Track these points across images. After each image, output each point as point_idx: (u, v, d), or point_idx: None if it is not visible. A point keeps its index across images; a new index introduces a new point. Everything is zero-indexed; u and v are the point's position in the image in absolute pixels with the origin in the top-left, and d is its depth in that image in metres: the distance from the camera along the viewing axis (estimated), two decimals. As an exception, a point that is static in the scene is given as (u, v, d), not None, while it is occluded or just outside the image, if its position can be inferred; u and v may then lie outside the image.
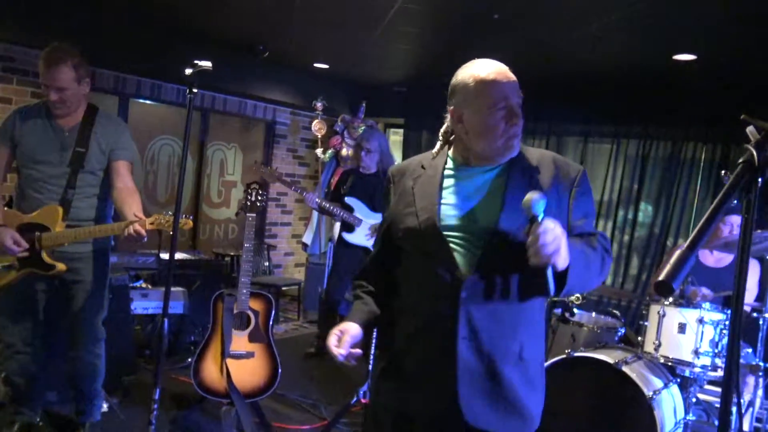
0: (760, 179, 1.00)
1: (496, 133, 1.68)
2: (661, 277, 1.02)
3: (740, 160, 1.01)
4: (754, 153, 1.00)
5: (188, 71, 2.29)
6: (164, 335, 2.30)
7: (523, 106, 1.72)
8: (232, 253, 6.24)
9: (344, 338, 1.74)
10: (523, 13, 3.81)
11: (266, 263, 7.02)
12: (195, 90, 2.32)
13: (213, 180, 6.86)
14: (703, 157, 5.42)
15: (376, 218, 4.95)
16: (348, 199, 4.92)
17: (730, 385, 1.10)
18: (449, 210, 1.72)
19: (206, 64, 2.25)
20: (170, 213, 2.72)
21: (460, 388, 1.64)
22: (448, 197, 1.74)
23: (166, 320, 2.31)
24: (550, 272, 1.47)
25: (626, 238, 5.78)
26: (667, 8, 3.47)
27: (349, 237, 4.89)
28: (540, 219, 1.48)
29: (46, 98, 2.91)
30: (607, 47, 4.38)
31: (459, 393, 1.64)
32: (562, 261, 1.46)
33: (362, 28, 4.62)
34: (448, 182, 1.77)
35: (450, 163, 1.81)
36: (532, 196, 1.50)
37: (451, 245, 1.68)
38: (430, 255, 1.70)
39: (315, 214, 7.06)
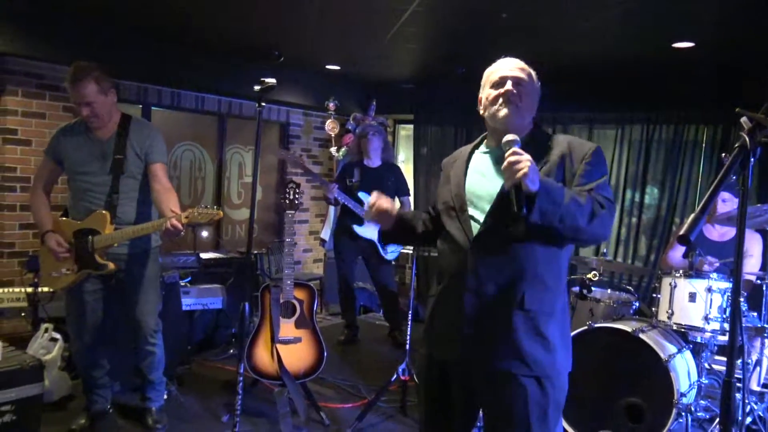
0: (752, 159, 1.28)
1: (490, 103, 2.04)
2: (681, 232, 1.33)
3: (736, 145, 1.30)
4: (747, 139, 1.29)
5: (257, 87, 2.55)
6: (246, 320, 2.57)
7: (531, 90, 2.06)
8: (255, 252, 6.52)
9: (380, 201, 2.16)
10: (527, 9, 4.00)
11: (294, 263, 7.30)
12: (263, 104, 2.58)
13: (233, 182, 7.11)
14: (704, 138, 5.61)
15: None
16: (361, 194, 5.12)
17: (734, 347, 1.38)
18: (470, 185, 2.07)
19: (271, 80, 2.50)
20: (203, 206, 2.98)
21: (466, 333, 1.95)
22: (472, 174, 2.10)
23: (247, 305, 2.57)
24: (514, 191, 1.76)
25: (634, 220, 5.97)
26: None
27: (359, 230, 5.12)
28: None
29: (80, 115, 3.18)
30: (609, 37, 4.59)
31: (466, 339, 1.95)
32: (530, 183, 1.73)
33: (374, 31, 4.85)
34: (475, 162, 2.12)
35: (483, 147, 2.16)
36: (508, 137, 1.83)
37: (469, 212, 2.02)
38: (453, 221, 2.06)
39: (332, 210, 7.33)
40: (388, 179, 5.25)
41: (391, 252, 5.19)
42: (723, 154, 1.38)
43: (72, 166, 3.24)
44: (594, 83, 5.94)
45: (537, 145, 2.00)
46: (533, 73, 2.09)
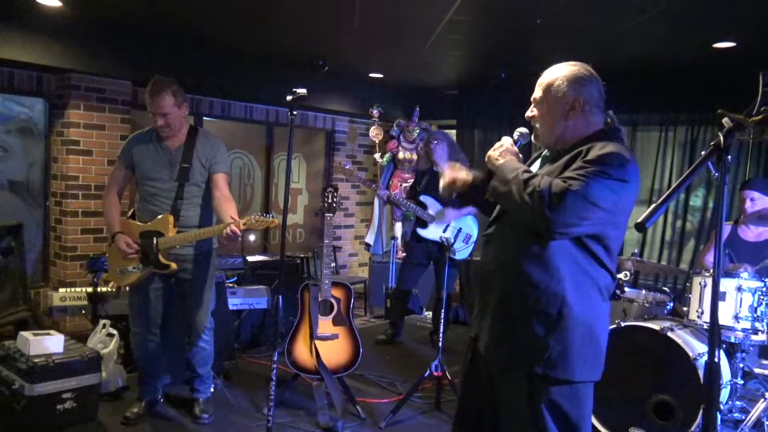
0: (728, 157, 1.38)
1: None
2: (638, 220, 1.43)
3: (711, 143, 1.39)
4: (722, 138, 1.38)
5: (289, 98, 2.73)
6: (280, 317, 2.75)
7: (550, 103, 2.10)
8: (302, 255, 6.74)
9: (458, 171, 2.33)
10: (566, 13, 4.05)
11: (333, 264, 7.50)
12: (295, 112, 2.76)
13: (280, 188, 7.36)
14: (750, 138, 5.56)
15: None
16: (423, 197, 5.26)
17: None
18: None
19: (302, 91, 2.68)
20: (259, 214, 3.20)
21: (483, 322, 2.09)
22: None
23: (280, 297, 2.76)
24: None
25: (679, 222, 5.92)
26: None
27: (422, 232, 5.24)
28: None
29: (154, 124, 3.43)
30: (649, 39, 4.61)
31: (482, 326, 2.10)
32: (489, 165, 2.07)
33: (414, 39, 5.00)
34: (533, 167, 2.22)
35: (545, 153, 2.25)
36: (519, 130, 2.18)
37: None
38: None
39: (376, 215, 7.49)
40: None
41: (460, 251, 5.27)
42: (702, 152, 1.47)
43: (142, 172, 3.49)
44: (636, 85, 5.89)
45: (568, 152, 2.01)
46: (556, 80, 2.06)
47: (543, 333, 1.92)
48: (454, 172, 2.31)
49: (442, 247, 5.24)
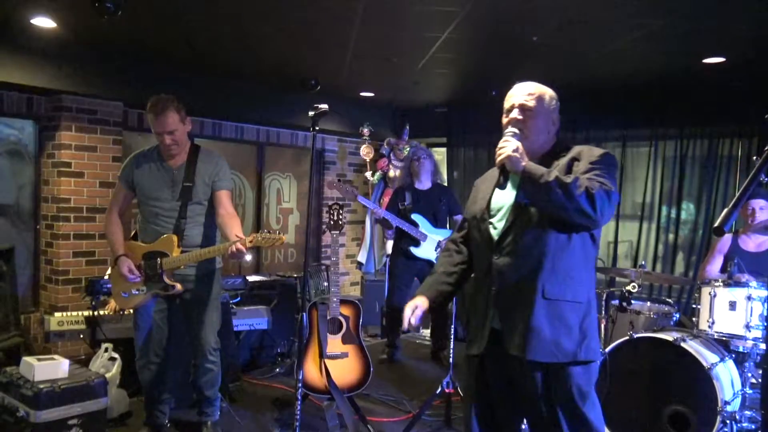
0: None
1: (503, 128, 2.27)
2: (716, 224, 1.45)
3: (766, 148, 1.40)
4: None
5: (311, 113, 2.70)
6: (303, 331, 2.71)
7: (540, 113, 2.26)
8: (295, 275, 6.67)
9: (416, 312, 2.39)
10: (557, 33, 4.13)
11: (325, 283, 7.44)
12: (317, 127, 2.73)
13: (271, 208, 7.32)
14: (739, 153, 5.59)
15: (439, 234, 5.29)
16: (414, 216, 5.27)
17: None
18: (494, 198, 2.33)
19: (323, 106, 2.66)
20: (267, 231, 3.14)
21: (495, 327, 2.22)
22: (497, 191, 2.34)
23: (305, 315, 2.71)
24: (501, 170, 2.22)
25: (671, 236, 5.97)
26: (693, 18, 3.76)
27: (415, 251, 5.24)
28: None
29: (160, 143, 3.37)
30: (638, 56, 4.69)
31: (496, 332, 2.21)
32: (512, 164, 2.10)
33: (408, 58, 5.03)
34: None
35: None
36: (508, 129, 2.21)
37: (490, 221, 2.29)
38: (477, 231, 2.35)
39: (368, 234, 7.47)
40: (440, 200, 5.41)
41: None
42: (755, 157, 1.48)
43: (143, 191, 3.41)
44: (626, 101, 5.99)
45: (553, 156, 2.25)
46: (546, 94, 2.30)
47: (578, 321, 2.15)
48: (408, 315, 2.41)
49: (431, 266, 5.27)
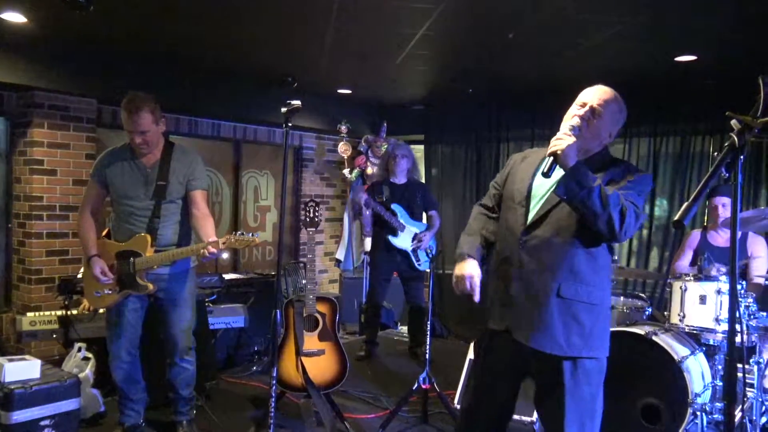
0: (741, 157, 1.43)
1: (566, 116, 2.35)
2: (675, 217, 1.48)
3: (726, 144, 1.44)
4: (736, 139, 1.43)
5: (283, 109, 2.69)
6: (278, 328, 2.70)
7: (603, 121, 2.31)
8: (273, 273, 6.65)
9: (475, 281, 2.39)
10: (532, 30, 4.16)
11: (303, 281, 7.42)
12: (290, 123, 2.72)
13: (249, 206, 7.27)
14: (711, 149, 5.65)
15: (416, 226, 5.37)
16: (394, 206, 5.34)
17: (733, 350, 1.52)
18: (535, 183, 2.37)
19: (296, 102, 2.65)
20: (241, 233, 3.14)
21: (513, 315, 2.31)
22: (539, 175, 2.33)
23: (279, 312, 2.71)
24: (550, 160, 2.17)
25: (645, 232, 6.07)
26: (666, 17, 3.82)
27: (394, 240, 5.31)
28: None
29: (130, 142, 3.33)
30: (611, 53, 4.74)
31: (512, 316, 2.31)
32: (563, 158, 2.10)
33: (385, 55, 5.04)
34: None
35: None
36: (571, 121, 2.24)
37: (525, 206, 2.33)
38: (511, 211, 2.39)
39: (346, 231, 7.47)
40: (416, 195, 5.47)
41: (424, 262, 5.35)
42: (715, 153, 1.52)
43: (117, 190, 3.37)
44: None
45: (595, 162, 2.31)
46: (618, 108, 2.35)
47: (591, 322, 2.24)
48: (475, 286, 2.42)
49: (409, 260, 5.34)
